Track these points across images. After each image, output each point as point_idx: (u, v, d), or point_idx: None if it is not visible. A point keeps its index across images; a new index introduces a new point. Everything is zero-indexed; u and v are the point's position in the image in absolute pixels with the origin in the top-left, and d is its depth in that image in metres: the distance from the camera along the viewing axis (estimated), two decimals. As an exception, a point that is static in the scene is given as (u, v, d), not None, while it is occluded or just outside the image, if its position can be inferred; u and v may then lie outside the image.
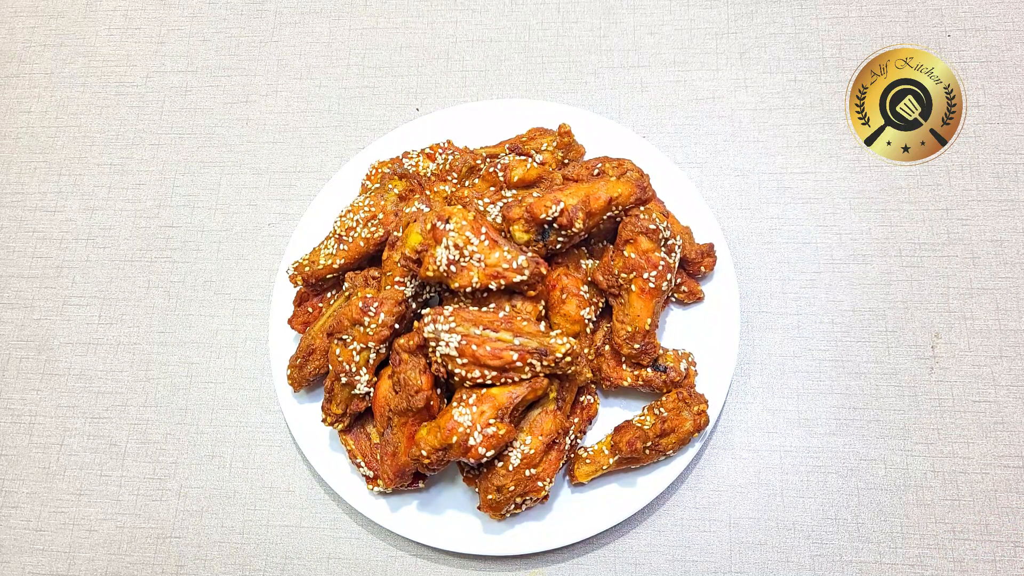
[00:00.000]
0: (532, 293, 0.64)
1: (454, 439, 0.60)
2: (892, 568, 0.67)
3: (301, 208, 0.83)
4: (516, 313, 0.63)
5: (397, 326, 0.65)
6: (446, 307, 0.61)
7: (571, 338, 0.61)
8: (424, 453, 0.61)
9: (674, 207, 0.74)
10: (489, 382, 0.61)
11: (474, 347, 0.59)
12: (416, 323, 0.62)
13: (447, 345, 0.59)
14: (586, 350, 0.68)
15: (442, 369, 0.61)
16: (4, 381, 0.81)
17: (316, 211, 0.79)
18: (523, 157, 0.73)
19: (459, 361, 0.60)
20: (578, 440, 0.68)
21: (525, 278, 0.62)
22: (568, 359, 0.60)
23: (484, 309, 0.62)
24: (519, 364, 0.60)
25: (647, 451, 0.65)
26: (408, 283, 0.66)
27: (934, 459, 0.70)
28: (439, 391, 0.65)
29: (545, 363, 0.60)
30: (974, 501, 0.69)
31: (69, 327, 0.83)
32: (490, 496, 0.63)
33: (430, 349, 0.61)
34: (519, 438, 0.63)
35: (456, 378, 0.61)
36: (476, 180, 0.75)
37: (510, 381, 0.61)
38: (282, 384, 0.73)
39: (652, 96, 0.85)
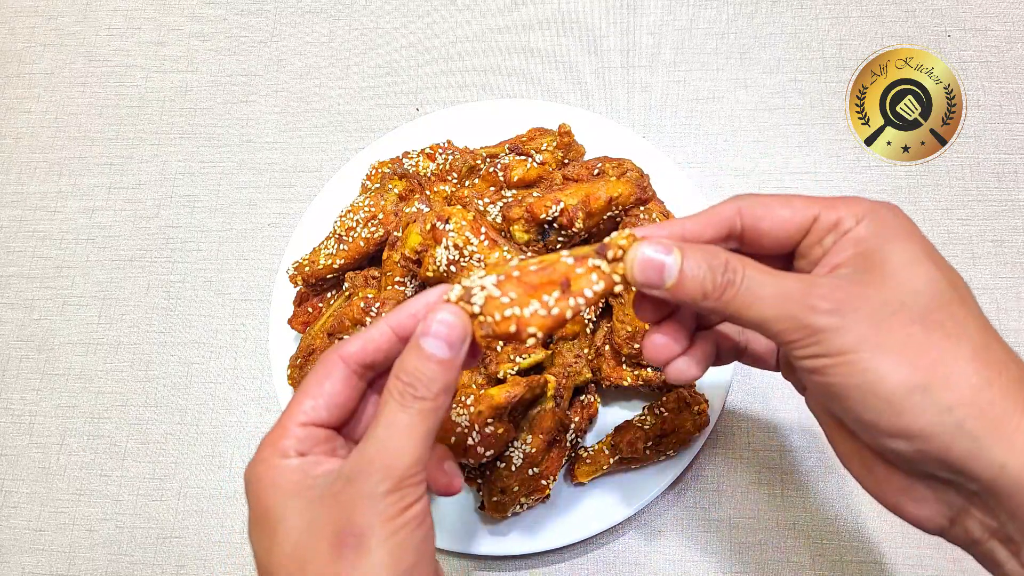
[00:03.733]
0: (532, 293, 0.64)
1: (452, 439, 0.60)
2: (892, 568, 0.67)
3: (301, 208, 0.83)
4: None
5: (397, 326, 0.65)
6: (473, 274, 0.41)
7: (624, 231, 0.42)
8: (424, 454, 0.61)
9: (674, 207, 0.74)
10: (550, 330, 0.40)
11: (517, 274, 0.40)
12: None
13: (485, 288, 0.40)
14: (585, 350, 0.68)
15: (492, 330, 0.40)
16: (4, 381, 0.81)
17: (316, 211, 0.79)
18: (523, 157, 0.73)
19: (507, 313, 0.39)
20: (579, 440, 0.68)
21: (525, 278, 0.62)
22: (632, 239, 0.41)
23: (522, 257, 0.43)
24: (581, 271, 0.40)
25: (647, 451, 0.65)
26: (408, 283, 0.66)
27: (934, 459, 0.70)
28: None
29: (611, 255, 0.40)
30: (974, 501, 0.69)
31: (69, 327, 0.83)
32: (495, 498, 0.63)
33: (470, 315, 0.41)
34: (520, 437, 0.63)
35: (514, 337, 0.40)
36: (476, 180, 0.75)
37: (580, 313, 0.42)
38: (282, 384, 0.73)
39: (652, 96, 0.85)
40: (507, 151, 0.75)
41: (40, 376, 0.81)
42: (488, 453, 0.60)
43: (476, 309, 0.39)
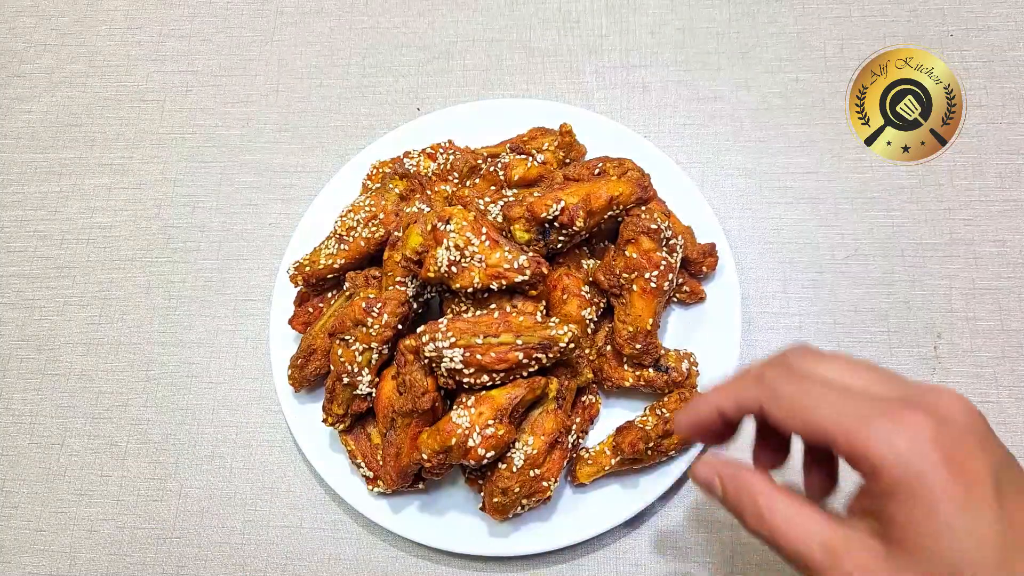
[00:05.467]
0: (533, 293, 0.64)
1: (453, 440, 0.59)
2: (894, 568, 0.67)
3: (301, 208, 0.82)
4: (512, 310, 0.63)
5: (400, 326, 0.65)
6: (440, 321, 0.61)
7: (571, 324, 0.62)
8: (425, 456, 0.61)
9: (675, 207, 0.74)
10: (499, 382, 0.61)
11: (479, 356, 0.60)
12: (413, 341, 0.63)
13: (452, 360, 0.60)
14: (587, 350, 0.68)
15: (450, 381, 0.62)
16: (4, 381, 0.81)
17: (316, 211, 0.79)
18: (524, 156, 0.73)
19: (466, 372, 0.60)
20: (580, 440, 0.68)
21: (526, 278, 0.62)
22: (572, 346, 0.62)
23: (479, 313, 0.63)
24: (525, 361, 0.60)
25: (649, 452, 0.65)
26: (409, 283, 0.66)
27: (936, 459, 0.70)
28: (441, 392, 0.65)
29: (551, 355, 0.61)
30: (976, 501, 0.68)
31: (69, 327, 0.83)
32: (495, 499, 0.63)
33: (434, 365, 0.61)
34: (521, 439, 0.62)
35: (465, 385, 0.62)
36: (477, 180, 0.75)
37: (520, 376, 0.62)
38: (282, 384, 0.73)
39: (653, 96, 0.85)
40: (508, 151, 0.75)
41: (40, 376, 0.81)
42: (489, 455, 0.60)
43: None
